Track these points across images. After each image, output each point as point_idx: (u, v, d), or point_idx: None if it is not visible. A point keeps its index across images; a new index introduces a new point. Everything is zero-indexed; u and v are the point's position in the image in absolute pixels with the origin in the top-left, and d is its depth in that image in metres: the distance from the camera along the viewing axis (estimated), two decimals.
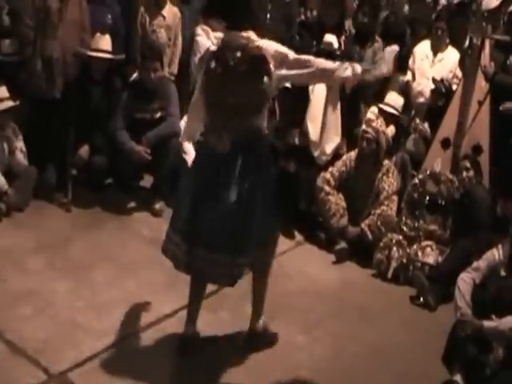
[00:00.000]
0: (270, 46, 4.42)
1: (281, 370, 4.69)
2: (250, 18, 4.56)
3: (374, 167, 6.50)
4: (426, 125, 7.27)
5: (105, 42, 6.82)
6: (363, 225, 6.35)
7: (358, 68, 4.59)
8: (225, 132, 4.35)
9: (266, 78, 4.36)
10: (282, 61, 4.42)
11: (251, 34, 4.42)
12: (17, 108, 6.43)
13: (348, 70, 4.53)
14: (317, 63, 4.50)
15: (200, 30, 7.51)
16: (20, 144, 6.53)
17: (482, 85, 6.78)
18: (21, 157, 6.50)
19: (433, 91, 7.41)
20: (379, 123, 6.58)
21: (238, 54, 4.36)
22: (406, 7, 8.90)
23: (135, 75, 7.03)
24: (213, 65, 4.46)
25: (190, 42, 7.54)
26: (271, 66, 4.36)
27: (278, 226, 4.82)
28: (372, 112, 7.06)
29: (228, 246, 4.38)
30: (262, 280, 4.81)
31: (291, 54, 4.45)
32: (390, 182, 6.44)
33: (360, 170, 6.56)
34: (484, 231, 5.83)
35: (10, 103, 6.37)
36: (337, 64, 4.59)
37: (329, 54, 6.44)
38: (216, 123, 4.41)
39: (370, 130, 6.47)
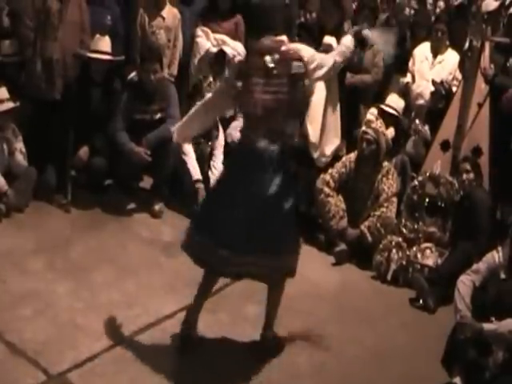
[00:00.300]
0: (305, 50, 4.48)
1: (280, 372, 4.69)
2: (283, 22, 4.61)
3: (374, 169, 6.50)
4: (426, 127, 7.27)
5: (104, 43, 6.81)
6: (363, 227, 6.35)
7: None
8: (266, 133, 4.38)
9: (306, 81, 4.46)
10: (316, 65, 4.51)
11: (284, 38, 4.43)
12: (17, 109, 6.43)
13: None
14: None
15: (200, 32, 7.61)
16: (20, 145, 6.52)
17: (481, 87, 6.78)
18: (20, 158, 6.50)
19: (433, 93, 7.42)
20: (379, 124, 6.58)
21: (276, 57, 4.37)
22: (407, 10, 8.90)
23: (133, 74, 7.03)
24: (250, 67, 4.41)
25: (190, 44, 7.58)
26: (309, 69, 4.43)
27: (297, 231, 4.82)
28: (371, 113, 7.07)
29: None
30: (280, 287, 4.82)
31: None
32: (389, 183, 6.44)
33: (360, 171, 6.56)
34: (484, 234, 5.82)
35: (11, 104, 6.36)
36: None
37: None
38: (255, 126, 4.41)
39: (369, 130, 6.47)
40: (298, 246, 4.76)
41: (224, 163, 4.59)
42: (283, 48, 4.39)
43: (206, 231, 4.53)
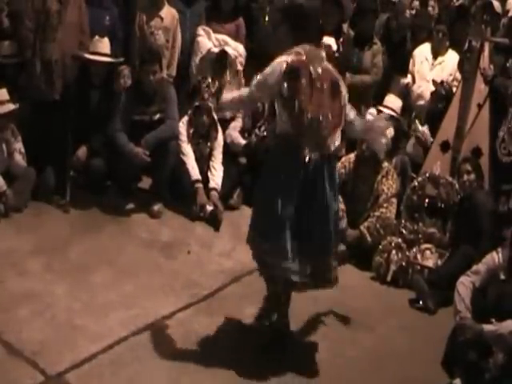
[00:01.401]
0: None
1: (279, 373, 4.67)
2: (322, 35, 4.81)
3: (374, 169, 6.48)
4: (426, 128, 7.24)
5: (103, 45, 6.81)
6: (362, 227, 6.34)
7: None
8: (310, 143, 4.45)
9: (343, 94, 4.59)
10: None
11: (332, 42, 4.53)
12: (16, 111, 6.41)
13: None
14: None
15: (201, 31, 7.59)
16: (19, 145, 6.51)
17: (481, 88, 6.76)
18: (19, 158, 6.49)
19: (433, 93, 7.40)
20: None
21: (319, 71, 4.47)
22: (408, 11, 8.88)
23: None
24: (297, 77, 4.43)
25: (191, 44, 7.56)
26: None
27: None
28: (371, 113, 7.06)
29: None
30: None
31: None
32: (389, 184, 6.43)
33: (359, 172, 6.54)
34: (486, 237, 5.78)
35: (11, 106, 6.35)
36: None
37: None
38: (302, 133, 4.45)
39: None
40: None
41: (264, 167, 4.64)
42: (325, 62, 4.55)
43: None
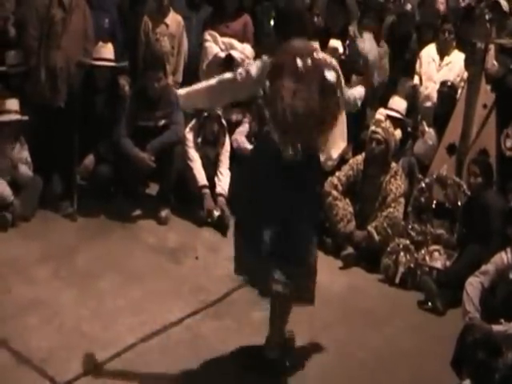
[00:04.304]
0: (335, 61, 4.42)
1: (287, 375, 4.68)
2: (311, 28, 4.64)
3: (382, 170, 6.46)
4: (432, 130, 7.20)
5: (107, 50, 6.84)
6: (370, 227, 6.32)
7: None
8: (295, 142, 4.27)
9: (338, 92, 4.32)
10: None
11: (316, 45, 4.39)
12: (23, 122, 6.44)
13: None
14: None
15: (208, 36, 7.59)
16: (25, 154, 6.53)
17: (487, 89, 6.74)
18: (25, 168, 6.49)
19: (439, 92, 7.36)
20: (388, 124, 6.57)
21: (309, 62, 4.25)
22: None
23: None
24: (280, 74, 4.25)
25: (197, 49, 7.56)
26: (341, 79, 4.35)
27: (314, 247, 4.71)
28: (380, 113, 7.06)
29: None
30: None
31: None
32: (397, 184, 6.40)
33: (368, 173, 6.52)
34: (497, 238, 5.72)
35: (19, 116, 6.38)
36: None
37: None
38: (285, 131, 4.27)
39: (379, 130, 6.43)
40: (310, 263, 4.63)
41: (243, 167, 4.52)
42: (316, 54, 4.31)
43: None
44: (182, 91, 4.75)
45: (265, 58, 4.42)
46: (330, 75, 4.27)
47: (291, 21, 4.45)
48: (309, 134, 4.30)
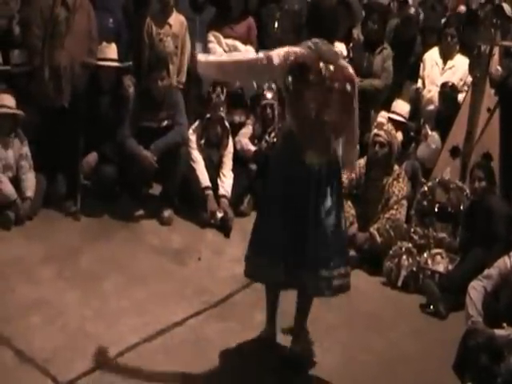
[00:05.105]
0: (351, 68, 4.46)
1: (290, 378, 4.67)
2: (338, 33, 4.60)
3: (385, 172, 6.46)
4: (435, 134, 7.21)
5: (111, 50, 6.86)
6: (372, 229, 6.32)
7: None
8: (315, 146, 4.33)
9: (355, 102, 4.39)
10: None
11: (340, 51, 4.38)
12: (22, 117, 6.44)
13: None
14: None
15: (211, 37, 7.59)
16: (25, 150, 6.52)
17: (491, 92, 6.75)
18: (25, 163, 6.49)
19: (440, 93, 7.37)
20: (390, 127, 6.57)
21: (331, 68, 4.29)
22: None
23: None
24: (305, 72, 4.27)
25: (201, 50, 7.55)
26: (357, 90, 4.41)
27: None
28: (383, 116, 7.07)
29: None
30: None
31: None
32: (400, 186, 6.41)
33: (370, 176, 6.53)
34: (501, 242, 5.72)
35: (13, 110, 6.38)
36: None
37: None
38: (305, 136, 4.34)
39: (382, 133, 6.43)
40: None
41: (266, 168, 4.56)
42: (339, 62, 4.37)
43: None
44: (202, 57, 4.65)
45: (288, 49, 4.34)
46: (349, 85, 4.34)
47: (324, 19, 4.42)
48: (325, 139, 4.35)
